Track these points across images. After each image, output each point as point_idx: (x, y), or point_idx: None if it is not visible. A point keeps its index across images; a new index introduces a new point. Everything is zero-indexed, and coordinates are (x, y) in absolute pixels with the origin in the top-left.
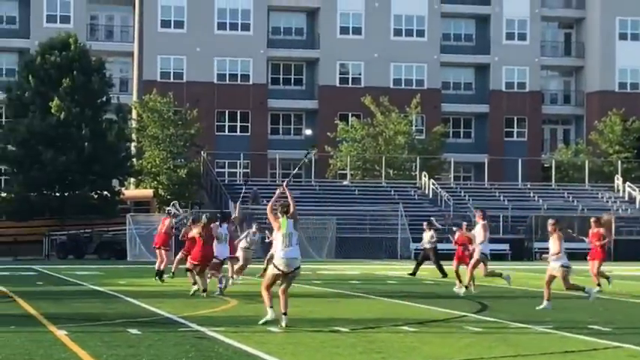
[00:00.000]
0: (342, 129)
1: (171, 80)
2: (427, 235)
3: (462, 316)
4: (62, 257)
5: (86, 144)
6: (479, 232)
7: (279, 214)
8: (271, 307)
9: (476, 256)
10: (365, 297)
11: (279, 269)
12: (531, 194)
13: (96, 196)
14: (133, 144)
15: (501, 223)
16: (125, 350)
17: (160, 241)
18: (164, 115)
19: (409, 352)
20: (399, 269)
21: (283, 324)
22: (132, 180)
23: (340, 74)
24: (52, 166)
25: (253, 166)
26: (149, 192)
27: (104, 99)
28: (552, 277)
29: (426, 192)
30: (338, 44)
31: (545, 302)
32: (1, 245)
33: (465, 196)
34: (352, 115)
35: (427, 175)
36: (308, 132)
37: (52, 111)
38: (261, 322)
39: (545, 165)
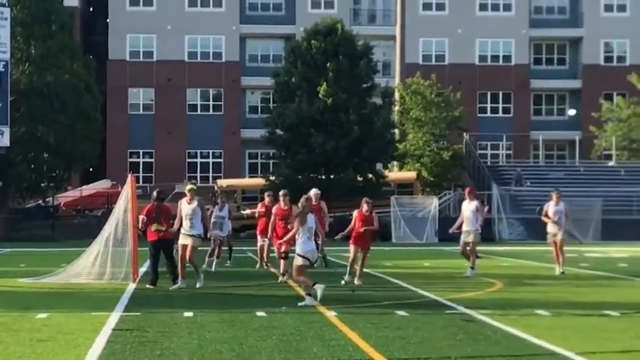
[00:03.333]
0: (607, 108)
1: (433, 63)
2: None
3: None
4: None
5: (355, 127)
6: None
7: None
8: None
9: None
10: (634, 280)
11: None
12: None
13: (361, 179)
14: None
15: None
16: (393, 332)
17: None
18: (427, 98)
19: None
20: None
21: None
22: (395, 162)
23: (605, 53)
24: (320, 149)
25: (515, 147)
26: (412, 174)
27: (369, 84)
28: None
29: None
30: (602, 22)
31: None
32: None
33: None
34: (617, 94)
35: None
36: (572, 112)
37: (320, 96)
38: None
39: None
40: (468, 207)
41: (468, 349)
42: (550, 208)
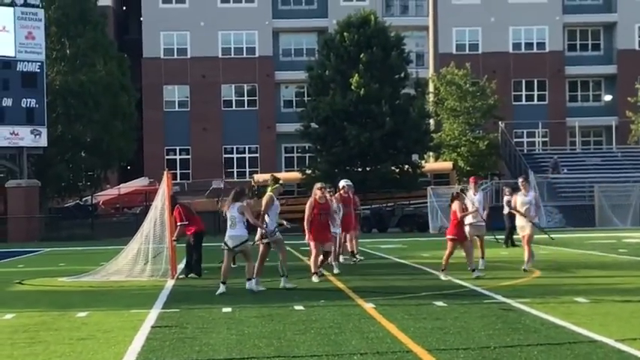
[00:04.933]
0: None
1: (467, 52)
2: None
3: None
4: (366, 231)
5: (387, 119)
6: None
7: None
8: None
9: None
10: None
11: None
12: None
13: (397, 170)
14: (431, 118)
15: None
16: (432, 323)
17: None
18: (462, 88)
19: None
20: None
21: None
22: (431, 153)
23: (639, 37)
24: (355, 142)
25: (552, 134)
26: (449, 164)
27: (402, 74)
28: None
29: None
30: (636, 7)
31: None
32: None
33: None
34: None
35: None
36: (607, 98)
37: (352, 87)
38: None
39: None
40: (474, 198)
41: (507, 339)
42: (518, 199)
